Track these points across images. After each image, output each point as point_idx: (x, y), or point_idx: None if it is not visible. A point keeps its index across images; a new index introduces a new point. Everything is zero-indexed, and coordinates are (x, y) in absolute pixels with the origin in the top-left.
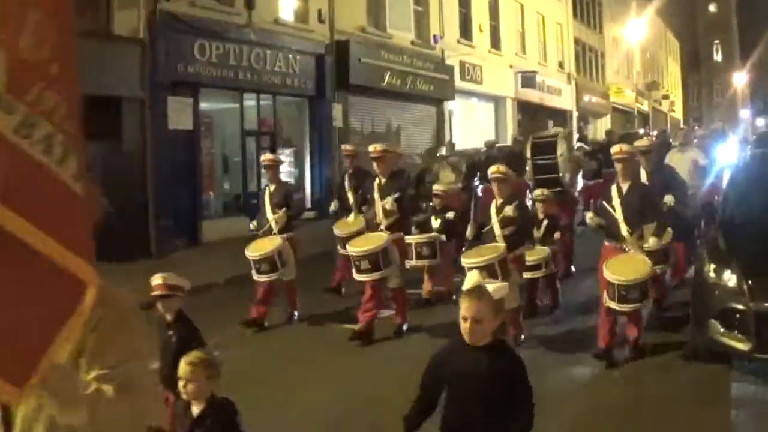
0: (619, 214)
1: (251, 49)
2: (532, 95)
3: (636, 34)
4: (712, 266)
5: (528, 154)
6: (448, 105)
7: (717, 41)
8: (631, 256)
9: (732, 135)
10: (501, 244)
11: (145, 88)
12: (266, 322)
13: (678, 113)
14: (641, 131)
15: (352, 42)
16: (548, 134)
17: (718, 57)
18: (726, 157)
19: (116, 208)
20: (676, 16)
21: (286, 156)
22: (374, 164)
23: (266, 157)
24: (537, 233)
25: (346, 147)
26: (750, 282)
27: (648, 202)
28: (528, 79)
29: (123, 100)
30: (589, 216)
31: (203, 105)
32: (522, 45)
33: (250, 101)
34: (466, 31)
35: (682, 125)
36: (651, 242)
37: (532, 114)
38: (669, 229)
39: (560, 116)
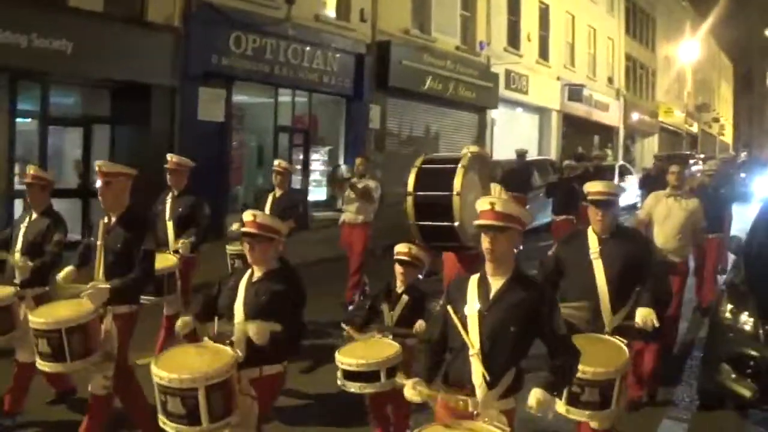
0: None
1: (289, 45)
2: (579, 109)
3: (689, 53)
4: (729, 306)
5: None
6: (491, 113)
7: None
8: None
9: None
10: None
11: (177, 77)
12: None
13: (728, 137)
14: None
15: (393, 43)
16: (447, 157)
17: None
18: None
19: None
20: (730, 38)
21: (320, 155)
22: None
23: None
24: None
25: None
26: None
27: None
28: (575, 92)
29: (153, 87)
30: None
31: (236, 98)
32: (571, 57)
33: (285, 97)
34: (514, 39)
35: (731, 150)
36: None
37: (577, 128)
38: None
39: (606, 132)
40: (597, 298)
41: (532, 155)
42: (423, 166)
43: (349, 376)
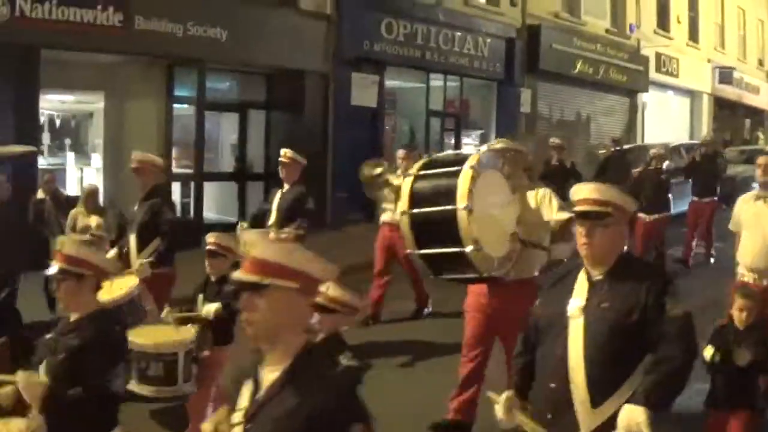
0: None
1: (439, 30)
2: (730, 92)
3: None
4: None
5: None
6: (642, 97)
7: None
8: None
9: None
10: None
11: (330, 62)
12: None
13: None
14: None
15: (543, 27)
16: (452, 158)
17: None
18: None
19: None
20: None
21: (472, 139)
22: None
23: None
24: None
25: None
26: None
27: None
28: (725, 75)
29: (307, 73)
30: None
31: (388, 83)
32: (721, 39)
33: (436, 82)
34: (663, 21)
35: None
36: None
37: (728, 111)
38: None
39: (758, 116)
40: (566, 384)
41: (683, 140)
42: (420, 172)
43: None
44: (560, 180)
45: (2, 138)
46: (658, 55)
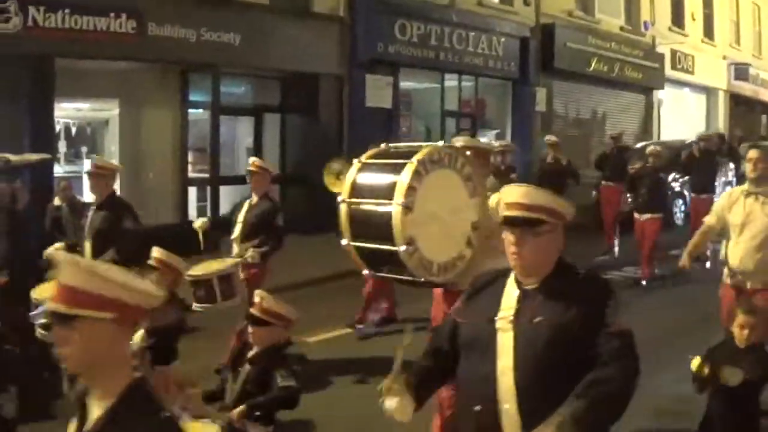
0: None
1: (453, 30)
2: (746, 88)
3: None
4: None
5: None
6: (658, 94)
7: None
8: None
9: None
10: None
11: (344, 65)
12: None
13: None
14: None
15: (557, 26)
16: (405, 150)
17: None
18: None
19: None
20: None
21: (487, 138)
22: None
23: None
24: None
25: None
26: None
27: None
28: (742, 71)
29: (321, 76)
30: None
31: (403, 84)
32: (736, 35)
33: (451, 82)
34: (678, 18)
35: None
36: None
37: (744, 108)
38: None
39: None
40: (494, 406)
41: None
42: (368, 161)
43: None
44: (556, 179)
45: (19, 147)
46: (674, 52)
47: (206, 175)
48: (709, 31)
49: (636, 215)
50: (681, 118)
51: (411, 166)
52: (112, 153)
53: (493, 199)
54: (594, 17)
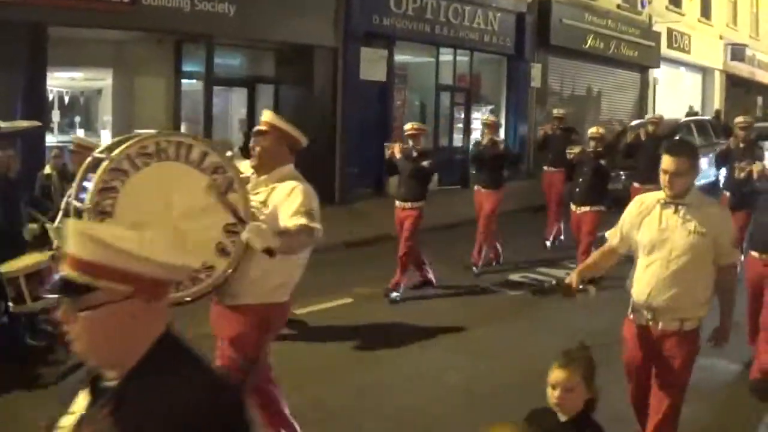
0: None
1: (449, 4)
2: (742, 69)
3: None
4: None
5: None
6: (653, 72)
7: None
8: None
9: None
10: None
11: (339, 37)
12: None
13: None
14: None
15: (554, 1)
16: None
17: None
18: None
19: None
20: None
21: (481, 114)
22: None
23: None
24: None
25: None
26: None
27: None
28: (738, 52)
29: (315, 48)
30: None
31: (397, 57)
32: (733, 16)
33: (446, 56)
34: None
35: None
36: None
37: (740, 88)
38: None
39: None
40: None
41: (696, 116)
42: (97, 155)
43: None
44: (492, 163)
45: (11, 116)
46: (670, 31)
47: None
48: (706, 11)
49: (573, 207)
50: (676, 97)
51: (105, 163)
52: (105, 122)
53: (283, 193)
54: None
